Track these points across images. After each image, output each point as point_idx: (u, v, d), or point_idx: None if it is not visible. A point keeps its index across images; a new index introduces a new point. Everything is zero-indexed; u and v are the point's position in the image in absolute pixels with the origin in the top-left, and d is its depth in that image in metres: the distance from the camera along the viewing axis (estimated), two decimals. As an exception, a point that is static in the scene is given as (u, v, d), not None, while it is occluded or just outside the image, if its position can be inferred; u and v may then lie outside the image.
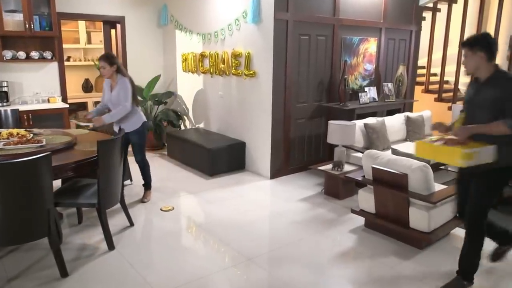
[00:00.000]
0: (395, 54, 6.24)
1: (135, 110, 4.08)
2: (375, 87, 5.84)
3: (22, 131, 3.61)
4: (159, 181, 4.96)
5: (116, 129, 4.13)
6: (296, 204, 4.32)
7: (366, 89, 5.65)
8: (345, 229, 3.75)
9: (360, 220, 3.82)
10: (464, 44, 2.65)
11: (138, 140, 4.18)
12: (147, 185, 4.40)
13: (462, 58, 2.71)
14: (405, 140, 5.50)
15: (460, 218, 3.03)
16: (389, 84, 5.92)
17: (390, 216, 3.49)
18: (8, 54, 5.35)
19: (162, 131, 6.23)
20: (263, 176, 5.17)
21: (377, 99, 5.77)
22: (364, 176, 3.69)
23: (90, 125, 4.07)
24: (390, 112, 5.81)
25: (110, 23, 6.51)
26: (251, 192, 4.65)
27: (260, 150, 5.17)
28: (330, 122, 4.48)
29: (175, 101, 6.82)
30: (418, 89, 7.28)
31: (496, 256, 3.05)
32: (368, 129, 4.89)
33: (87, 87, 7.89)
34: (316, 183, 4.93)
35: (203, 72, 5.99)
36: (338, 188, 4.41)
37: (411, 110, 6.48)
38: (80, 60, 7.84)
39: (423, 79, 7.38)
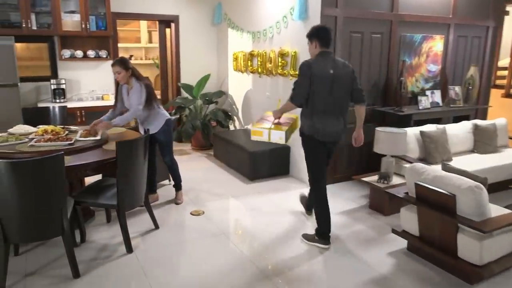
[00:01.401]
0: (466, 54, 5.52)
1: (156, 111, 3.98)
2: (439, 91, 5.20)
3: (57, 128, 3.68)
4: (198, 183, 4.86)
5: (142, 131, 4.07)
6: (334, 218, 3.92)
7: (428, 92, 5.05)
8: (384, 251, 3.32)
9: (403, 242, 3.36)
10: None
11: (165, 138, 4.08)
12: (177, 186, 4.30)
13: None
14: (471, 151, 4.83)
15: None
16: (457, 88, 5.24)
17: (435, 242, 3.00)
18: (66, 53, 5.61)
19: (210, 131, 6.15)
20: (306, 184, 4.81)
21: (441, 104, 5.14)
22: (407, 193, 3.23)
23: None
24: (458, 119, 5.15)
25: (165, 22, 6.58)
26: (288, 201, 4.36)
27: (304, 155, 4.83)
28: (377, 129, 4.04)
29: (226, 101, 6.72)
30: (497, 93, 6.44)
31: None
32: (424, 138, 4.34)
33: (146, 85, 8.09)
34: (362, 194, 4.49)
35: (251, 72, 5.79)
36: (384, 203, 3.96)
37: (484, 117, 5.72)
38: (141, 59, 8.08)
39: (504, 81, 6.50)
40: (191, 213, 4.01)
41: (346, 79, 3.29)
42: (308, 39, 3.34)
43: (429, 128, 4.45)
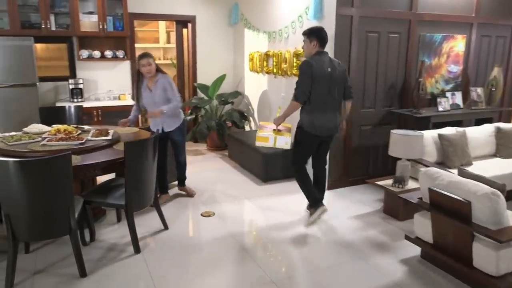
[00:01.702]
0: (489, 54, 5.32)
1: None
2: (460, 92, 5.03)
3: (69, 128, 3.72)
4: (210, 184, 4.84)
5: (155, 129, 4.08)
6: (346, 222, 3.86)
7: (448, 94, 4.88)
8: (397, 258, 3.21)
9: (416, 249, 3.24)
10: None
11: (181, 138, 4.09)
12: (183, 181, 4.33)
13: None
14: (494, 155, 4.63)
15: None
16: (479, 89, 5.05)
17: (450, 250, 2.88)
18: (84, 53, 5.68)
19: (225, 131, 6.13)
20: (320, 186, 4.75)
21: (461, 106, 4.96)
22: (421, 199, 3.11)
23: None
24: (481, 122, 4.95)
25: (182, 22, 6.60)
26: (301, 203, 4.27)
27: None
28: (392, 131, 3.92)
29: (242, 101, 6.69)
30: (522, 95, 6.17)
31: None
32: (443, 141, 4.20)
33: (164, 85, 8.14)
34: (377, 198, 4.37)
35: (267, 72, 5.74)
36: (398, 208, 3.84)
37: (508, 120, 5.50)
38: (160, 59, 8.14)
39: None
40: (201, 214, 3.99)
41: (341, 77, 3.59)
42: (306, 37, 3.56)
43: (448, 131, 4.30)
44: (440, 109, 4.71)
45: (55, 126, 3.76)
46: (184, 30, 6.72)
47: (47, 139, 3.42)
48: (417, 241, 3.16)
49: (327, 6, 4.35)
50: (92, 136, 3.57)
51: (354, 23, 4.33)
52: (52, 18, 5.29)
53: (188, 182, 4.65)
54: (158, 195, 4.01)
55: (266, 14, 5.65)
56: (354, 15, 4.31)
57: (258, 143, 3.76)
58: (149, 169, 3.30)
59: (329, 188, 4.63)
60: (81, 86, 5.64)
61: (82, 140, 3.42)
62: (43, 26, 5.22)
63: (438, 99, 4.74)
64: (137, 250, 3.22)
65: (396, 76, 4.74)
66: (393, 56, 4.66)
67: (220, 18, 6.59)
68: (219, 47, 6.67)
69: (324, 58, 3.50)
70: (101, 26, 5.50)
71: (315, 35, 3.52)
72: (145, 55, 3.88)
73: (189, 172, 4.82)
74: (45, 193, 2.67)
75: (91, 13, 5.55)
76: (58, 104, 5.32)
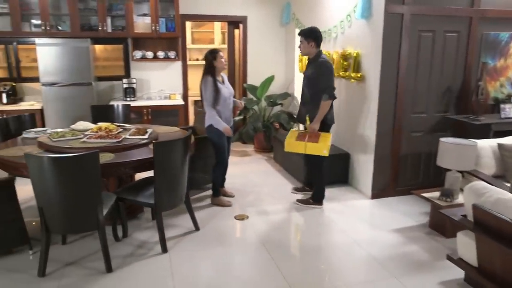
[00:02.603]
0: None
1: None
2: (530, 98, 4.49)
3: (111, 126, 3.85)
4: (251, 186, 4.78)
5: (230, 124, 4.15)
6: (387, 235, 3.59)
7: (514, 99, 4.39)
8: (437, 279, 2.91)
9: (460, 271, 2.92)
10: None
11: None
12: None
13: None
14: None
15: None
16: (553, 95, 4.47)
17: (497, 277, 2.54)
18: (138, 54, 5.90)
19: (272, 133, 6.03)
20: (364, 195, 4.50)
21: (531, 113, 4.42)
22: (465, 216, 2.79)
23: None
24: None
25: (234, 23, 6.62)
26: (340, 211, 4.08)
27: (364, 164, 4.50)
28: (442, 139, 3.57)
29: (292, 103, 6.56)
30: None
31: None
32: (503, 152, 3.76)
33: (218, 85, 8.24)
34: (424, 211, 4.03)
35: (315, 74, 5.55)
36: (445, 223, 3.50)
37: None
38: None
39: None
40: (235, 217, 3.94)
41: None
42: (304, 38, 3.90)
43: (510, 140, 3.84)
44: (503, 116, 4.24)
45: (99, 124, 3.91)
46: (236, 31, 6.73)
47: (87, 136, 3.56)
48: (460, 263, 2.84)
49: (375, 4, 4.09)
50: (129, 135, 3.66)
51: (405, 22, 4.02)
52: (108, 20, 5.55)
53: (229, 184, 4.65)
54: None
55: (316, 13, 5.47)
56: (405, 13, 4.01)
57: (326, 152, 3.84)
58: (179, 169, 3.30)
59: (373, 197, 4.37)
60: (134, 85, 5.86)
61: (119, 139, 3.52)
62: (100, 28, 5.50)
63: (502, 105, 4.27)
64: (164, 249, 3.25)
65: (452, 79, 4.34)
66: (449, 57, 4.27)
67: (271, 18, 6.51)
68: (270, 47, 6.59)
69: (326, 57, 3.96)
70: (153, 28, 5.68)
71: (313, 37, 3.87)
72: (218, 50, 4.05)
73: (231, 173, 4.84)
74: (74, 188, 2.76)
75: (145, 15, 5.75)
76: (112, 103, 5.57)
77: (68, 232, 3.23)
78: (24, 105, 5.41)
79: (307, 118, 3.93)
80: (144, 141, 3.57)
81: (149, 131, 3.84)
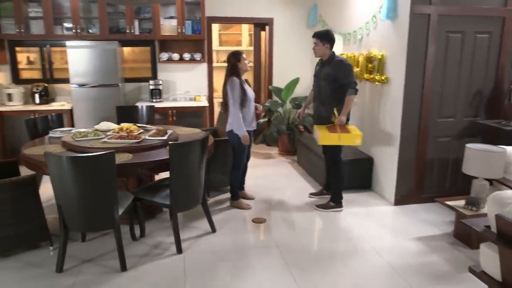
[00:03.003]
0: None
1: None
2: None
3: (132, 127, 3.92)
4: (271, 189, 4.75)
5: (253, 128, 4.21)
6: (408, 243, 3.47)
7: (551, 104, 4.13)
8: (457, 293, 2.79)
9: (482, 285, 2.77)
10: None
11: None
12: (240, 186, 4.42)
13: None
14: None
15: None
16: None
17: (521, 292, 2.40)
18: (164, 56, 5.99)
19: (295, 136, 5.97)
20: (386, 201, 4.37)
21: None
22: (488, 227, 2.64)
23: None
24: None
25: (260, 25, 6.61)
26: (361, 217, 3.97)
27: (387, 170, 4.37)
28: (468, 145, 3.41)
29: (317, 105, 6.46)
30: None
31: None
32: (536, 160, 3.55)
33: (245, 87, 8.26)
34: (449, 220, 3.86)
35: (340, 76, 5.45)
36: (471, 233, 3.33)
37: None
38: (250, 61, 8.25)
39: None
40: (252, 220, 3.91)
41: None
42: (318, 40, 3.93)
43: (544, 148, 3.62)
44: (539, 121, 4.00)
45: (122, 125, 3.99)
46: (262, 33, 6.72)
47: (108, 136, 3.64)
48: (482, 276, 2.69)
49: (401, 5, 3.97)
50: (149, 136, 3.71)
51: (432, 23, 3.88)
52: (136, 23, 5.67)
53: (249, 186, 4.64)
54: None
55: (342, 14, 5.38)
56: (432, 13, 3.86)
57: (359, 141, 3.88)
58: (196, 171, 3.31)
59: (396, 204, 4.24)
60: (160, 87, 5.95)
61: (138, 139, 3.57)
62: (127, 31, 5.62)
63: (537, 110, 4.04)
64: (179, 250, 3.26)
65: (483, 82, 4.15)
66: (480, 59, 4.08)
67: (297, 20, 6.45)
68: (296, 49, 6.53)
69: None
70: (179, 30, 5.75)
71: (328, 39, 3.91)
72: (240, 51, 4.06)
73: (253, 175, 4.84)
74: (91, 187, 2.82)
75: (171, 17, 5.84)
76: (138, 104, 5.68)
77: (85, 230, 3.31)
78: (55, 105, 5.61)
79: (335, 111, 3.90)
80: (163, 142, 3.61)
81: (169, 132, 3.88)
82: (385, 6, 4.11)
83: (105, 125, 4.07)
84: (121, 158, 3.16)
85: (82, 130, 3.86)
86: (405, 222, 3.89)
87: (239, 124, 3.95)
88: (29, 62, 5.91)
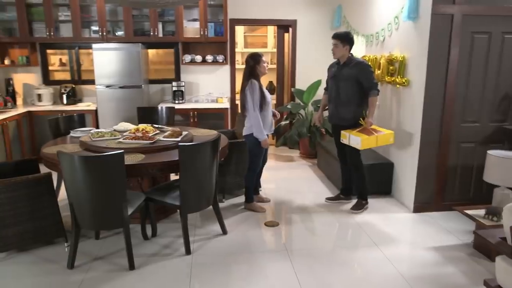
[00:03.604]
0: None
1: None
2: None
3: (148, 127, 3.98)
4: (288, 193, 4.70)
5: (271, 132, 4.19)
6: (423, 252, 3.33)
7: None
8: (471, 307, 2.64)
9: (499, 300, 2.62)
10: None
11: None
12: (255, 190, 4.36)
13: None
14: None
15: None
16: None
17: (537, 310, 2.24)
18: (187, 58, 6.07)
19: (316, 139, 5.89)
20: (406, 208, 4.22)
21: None
22: (504, 239, 2.49)
23: None
24: None
25: (283, 27, 6.57)
26: (377, 224, 3.86)
27: (407, 175, 4.23)
28: (489, 152, 3.25)
29: (340, 108, 6.35)
30: None
31: None
32: None
33: (270, 89, 8.24)
34: (470, 229, 3.67)
35: (363, 78, 5.33)
36: (490, 244, 3.16)
37: None
38: (268, 64, 8.23)
39: None
40: (265, 224, 3.88)
41: None
42: (339, 41, 3.95)
43: None
44: None
45: (139, 126, 4.06)
46: (286, 35, 6.68)
47: (124, 137, 3.72)
48: (497, 290, 2.55)
49: (423, 4, 3.83)
50: (164, 137, 3.76)
51: (455, 23, 3.72)
52: (159, 25, 5.77)
53: (266, 189, 4.62)
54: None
55: (365, 16, 5.26)
56: (456, 13, 3.70)
57: (392, 140, 4.03)
58: (206, 172, 3.32)
59: (415, 211, 4.09)
60: (182, 88, 6.03)
61: (152, 140, 3.62)
62: (151, 34, 5.73)
63: None
64: (188, 251, 3.28)
65: (511, 85, 3.94)
66: (509, 60, 3.87)
67: (321, 22, 6.37)
68: (319, 52, 6.43)
69: None
70: (202, 32, 5.80)
71: (349, 41, 3.92)
72: (259, 53, 4.00)
73: (271, 178, 4.82)
74: (100, 186, 2.89)
75: (194, 20, 5.90)
76: (161, 105, 5.78)
77: (95, 228, 3.39)
78: (81, 106, 5.80)
79: (364, 113, 3.93)
80: (176, 143, 3.63)
81: (184, 133, 3.91)
82: (407, 6, 3.98)
83: (123, 125, 4.16)
84: (134, 159, 3.21)
85: (100, 130, 3.96)
86: (422, 230, 3.75)
87: (259, 128, 3.91)
88: (59, 64, 6.14)
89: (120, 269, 3.06)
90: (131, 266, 3.04)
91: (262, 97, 3.93)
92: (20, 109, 5.54)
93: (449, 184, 4.08)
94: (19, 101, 6.01)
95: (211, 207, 3.53)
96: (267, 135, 4.07)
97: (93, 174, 2.85)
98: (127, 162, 3.06)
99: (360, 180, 4.19)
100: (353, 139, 3.88)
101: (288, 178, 5.28)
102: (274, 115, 4.21)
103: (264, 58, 4.00)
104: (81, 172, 2.83)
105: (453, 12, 3.71)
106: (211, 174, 3.40)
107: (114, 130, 4.04)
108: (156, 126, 4.20)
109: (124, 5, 5.10)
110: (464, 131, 3.98)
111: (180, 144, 3.16)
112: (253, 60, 3.94)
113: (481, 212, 3.35)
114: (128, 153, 3.36)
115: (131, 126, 4.13)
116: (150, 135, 3.80)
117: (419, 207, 4.09)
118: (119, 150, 3.11)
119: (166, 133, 3.87)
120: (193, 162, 3.20)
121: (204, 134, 4.16)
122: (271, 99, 4.15)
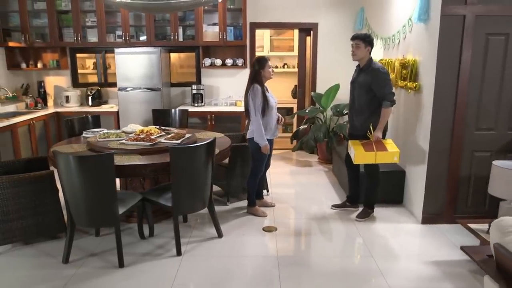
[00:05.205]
0: None
1: None
2: None
3: (153, 129, 4.07)
4: (295, 198, 4.65)
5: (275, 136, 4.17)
6: (421, 267, 3.15)
7: None
8: (459, 328, 2.47)
9: (489, 323, 2.42)
10: None
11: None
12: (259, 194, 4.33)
13: None
14: None
15: None
16: None
17: (522, 336, 2.06)
18: (207, 61, 6.16)
19: (333, 144, 5.75)
20: (415, 218, 4.03)
21: None
22: (491, 257, 2.31)
23: None
24: None
25: (305, 30, 6.49)
26: (381, 235, 3.70)
27: (417, 185, 4.03)
28: (495, 162, 3.02)
29: (362, 113, 6.17)
30: None
31: None
32: None
33: (295, 92, 8.16)
34: (477, 243, 3.44)
35: (380, 83, 5.15)
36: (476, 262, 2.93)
37: None
38: (294, 67, 8.17)
39: None
40: (263, 229, 3.84)
41: None
42: (361, 41, 3.78)
43: None
44: None
45: (146, 127, 4.16)
46: (307, 38, 6.59)
47: (127, 138, 3.83)
48: (486, 312, 2.36)
49: (434, 5, 3.64)
50: (165, 139, 3.83)
51: (467, 24, 3.50)
52: (180, 30, 5.90)
53: (273, 193, 4.58)
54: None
55: (383, 18, 5.08)
56: (468, 14, 3.49)
57: (397, 159, 3.73)
58: (200, 174, 3.33)
59: (423, 222, 3.89)
60: (202, 91, 6.13)
61: (153, 142, 3.70)
62: (172, 38, 5.87)
63: None
64: (179, 252, 3.31)
65: (532, 90, 3.65)
66: (529, 64, 3.60)
67: (343, 25, 6.23)
68: (341, 55, 6.29)
69: None
70: (221, 36, 5.87)
71: (369, 40, 3.76)
72: (266, 58, 3.96)
73: (281, 183, 4.79)
74: (92, 185, 2.99)
75: (214, 24, 5.98)
76: (181, 108, 5.90)
77: (88, 225, 3.51)
78: (105, 107, 6.04)
79: (371, 126, 3.75)
80: (175, 145, 3.68)
81: (187, 135, 3.97)
82: (417, 8, 3.81)
83: (131, 127, 4.28)
84: (130, 160, 3.30)
85: (107, 131, 4.11)
86: (427, 243, 3.55)
87: (260, 133, 3.88)
88: (87, 67, 6.44)
89: (110, 266, 3.15)
90: (121, 264, 3.12)
91: (265, 102, 3.90)
92: (49, 110, 5.86)
93: (462, 196, 3.84)
94: (50, 102, 6.37)
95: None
96: (270, 140, 4.03)
97: (85, 173, 2.95)
98: (120, 163, 3.15)
99: (371, 190, 4.05)
100: (351, 150, 3.77)
101: (300, 183, 5.20)
102: (278, 119, 4.15)
103: (270, 63, 3.95)
104: (74, 171, 2.94)
105: (464, 13, 3.49)
106: (206, 176, 3.41)
107: (123, 131, 4.18)
108: (164, 128, 4.29)
109: (144, 12, 5.26)
110: (478, 139, 3.73)
111: (170, 146, 3.21)
112: (258, 65, 3.92)
113: (485, 226, 3.12)
114: (127, 154, 3.47)
115: (138, 128, 4.25)
116: (152, 137, 3.89)
117: (427, 219, 3.88)
118: (119, 150, 3.23)
119: (168, 136, 3.94)
120: (186, 164, 3.24)
121: (209, 137, 4.19)
122: (276, 103, 4.10)
